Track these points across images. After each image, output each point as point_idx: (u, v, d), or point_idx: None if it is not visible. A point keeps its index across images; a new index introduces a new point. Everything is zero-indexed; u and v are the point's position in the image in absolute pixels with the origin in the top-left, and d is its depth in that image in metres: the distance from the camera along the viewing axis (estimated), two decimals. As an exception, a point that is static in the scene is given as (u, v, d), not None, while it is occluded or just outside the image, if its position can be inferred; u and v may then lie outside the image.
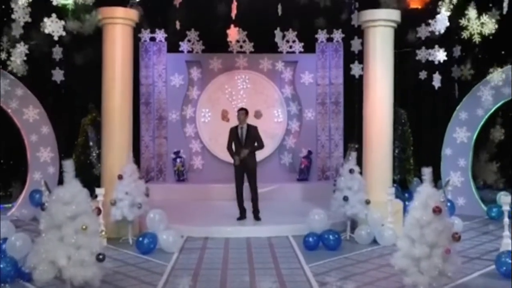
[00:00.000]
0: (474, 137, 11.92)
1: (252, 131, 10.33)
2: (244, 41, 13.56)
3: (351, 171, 9.30)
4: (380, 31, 9.85)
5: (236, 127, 10.40)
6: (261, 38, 12.82)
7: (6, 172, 12.78)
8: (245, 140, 10.23)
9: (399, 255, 5.86)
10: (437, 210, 5.59)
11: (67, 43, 10.36)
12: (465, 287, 6.78)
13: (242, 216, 10.32)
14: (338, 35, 13.71)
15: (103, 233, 8.13)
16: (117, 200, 9.02)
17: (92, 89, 11.22)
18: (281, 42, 12.16)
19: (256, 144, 10.31)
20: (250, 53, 13.71)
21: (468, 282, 6.97)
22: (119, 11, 9.73)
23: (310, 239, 8.71)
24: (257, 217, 10.26)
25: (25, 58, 9.01)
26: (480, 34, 10.15)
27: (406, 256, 5.78)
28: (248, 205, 10.34)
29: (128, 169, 9.22)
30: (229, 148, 10.39)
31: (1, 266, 6.81)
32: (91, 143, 12.24)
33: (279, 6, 10.02)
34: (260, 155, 13.50)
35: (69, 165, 5.79)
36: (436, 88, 10.87)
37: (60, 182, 7.85)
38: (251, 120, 13.49)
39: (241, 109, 10.58)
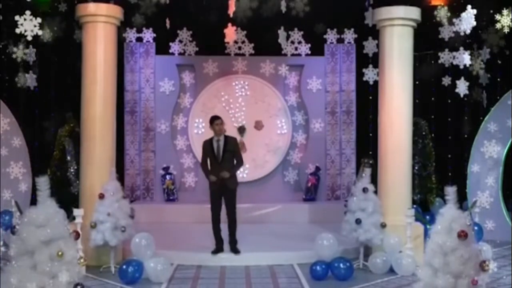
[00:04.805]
0: (505, 151, 11.93)
1: (231, 144, 9.71)
2: (243, 42, 13.64)
3: (364, 190, 9.31)
4: (397, 31, 9.90)
5: (211, 139, 9.75)
6: (262, 38, 12.86)
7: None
8: (222, 155, 9.60)
9: (420, 286, 5.85)
10: (462, 235, 5.58)
11: (42, 43, 10.41)
12: (495, 323, 6.79)
13: (219, 248, 9.73)
14: (350, 35, 13.79)
15: (82, 260, 8.09)
16: (97, 223, 9.00)
17: (70, 95, 11.24)
18: (285, 43, 12.21)
19: (235, 162, 9.69)
20: (249, 56, 13.79)
21: (498, 318, 6.98)
22: (101, 8, 9.76)
23: (318, 267, 8.70)
24: (234, 249, 9.69)
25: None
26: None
27: (427, 288, 5.78)
28: (224, 232, 9.76)
29: (111, 187, 9.21)
30: (203, 165, 9.82)
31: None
32: (68, 158, 12.22)
33: (283, 3, 10.06)
34: (261, 171, 13.60)
35: (43, 182, 5.78)
36: (462, 95, 10.90)
37: (33, 201, 7.85)
38: (251, 131, 13.54)
39: (216, 117, 9.83)
